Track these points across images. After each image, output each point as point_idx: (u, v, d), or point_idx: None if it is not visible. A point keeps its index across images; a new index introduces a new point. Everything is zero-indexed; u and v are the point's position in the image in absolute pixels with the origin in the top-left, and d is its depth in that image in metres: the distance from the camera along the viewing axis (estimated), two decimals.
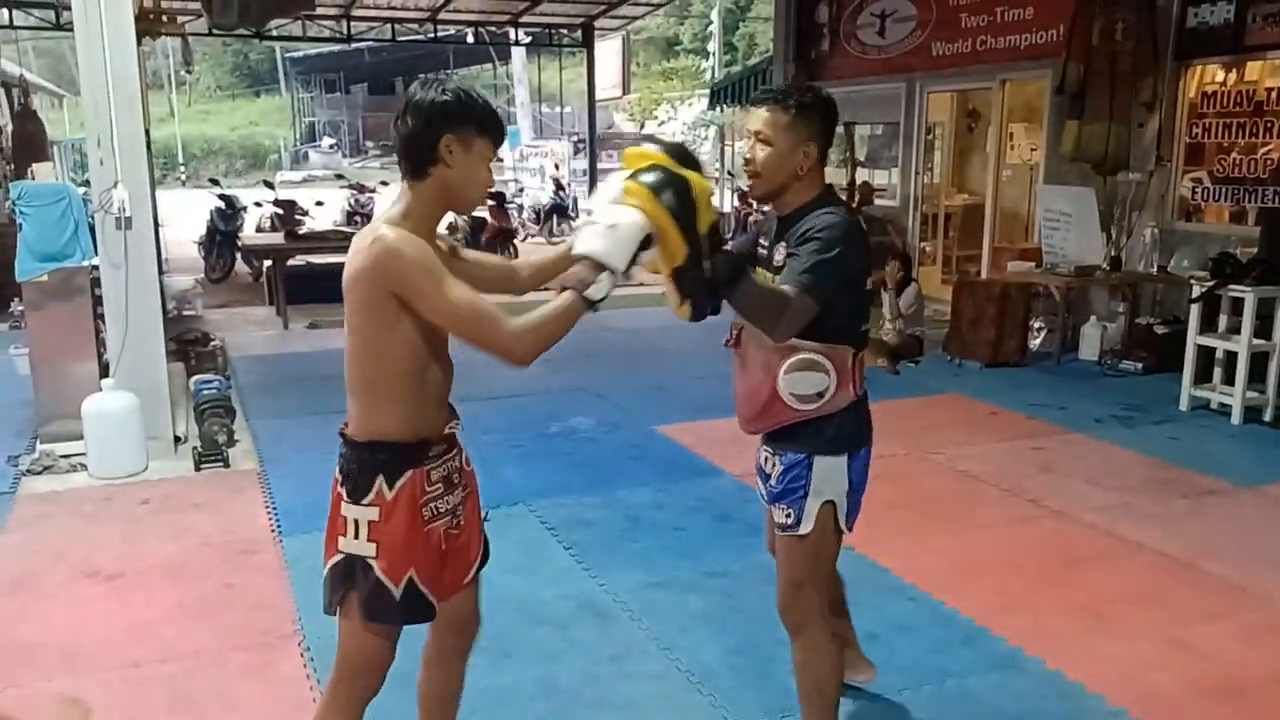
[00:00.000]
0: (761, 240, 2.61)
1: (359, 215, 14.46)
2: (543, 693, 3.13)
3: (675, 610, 3.71)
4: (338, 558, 2.18)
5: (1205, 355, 6.37)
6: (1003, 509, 4.73)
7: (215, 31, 12.83)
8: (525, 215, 17.52)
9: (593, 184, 17.81)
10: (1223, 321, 6.27)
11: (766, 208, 2.64)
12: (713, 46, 30.08)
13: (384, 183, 16.90)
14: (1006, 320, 7.64)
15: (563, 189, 17.31)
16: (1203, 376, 6.40)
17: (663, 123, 30.14)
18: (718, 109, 17.20)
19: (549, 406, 6.39)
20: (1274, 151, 7.36)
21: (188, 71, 31.26)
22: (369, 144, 40.38)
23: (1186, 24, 7.61)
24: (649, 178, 2.07)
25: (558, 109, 33.66)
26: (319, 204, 13.38)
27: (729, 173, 21.15)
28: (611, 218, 2.06)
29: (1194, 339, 6.32)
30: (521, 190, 19.02)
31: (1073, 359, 7.85)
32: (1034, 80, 9.08)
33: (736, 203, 14.95)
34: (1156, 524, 4.51)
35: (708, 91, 17.88)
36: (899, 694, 3.14)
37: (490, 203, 13.83)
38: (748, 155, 2.49)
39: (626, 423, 6.08)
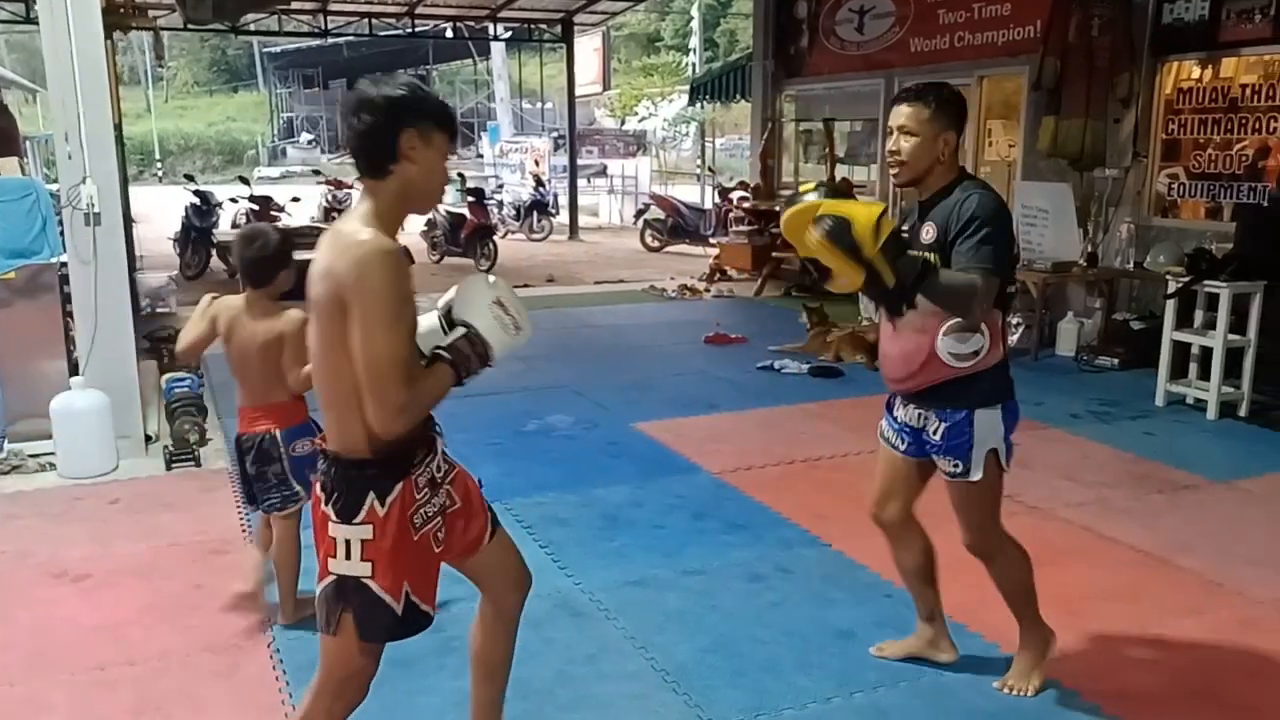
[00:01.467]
0: (904, 226, 2.85)
1: (336, 211, 14.34)
2: (517, 693, 3.07)
3: (651, 609, 3.68)
4: (330, 580, 2.12)
5: (1181, 351, 6.40)
6: None
7: (190, 26, 12.71)
8: (505, 211, 17.45)
9: (573, 180, 17.76)
10: (1198, 317, 6.30)
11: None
12: (693, 43, 30.08)
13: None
14: (1003, 325, 7.64)
15: (543, 185, 17.27)
16: (1178, 372, 6.43)
17: (643, 119, 30.10)
18: (698, 105, 17.16)
19: (527, 404, 6.35)
20: (1249, 148, 7.40)
21: (160, 66, 30.99)
22: None
23: (1162, 20, 7.65)
24: (820, 228, 2.51)
25: (538, 105, 33.57)
26: (295, 200, 13.28)
27: (709, 168, 21.18)
28: (523, 320, 2.22)
29: (1170, 335, 6.35)
30: (501, 186, 18.94)
31: (1050, 355, 7.87)
32: (1011, 76, 9.10)
33: (717, 199, 14.93)
34: (1132, 519, 4.52)
35: (688, 88, 17.83)
36: (875, 690, 3.13)
37: (470, 199, 13.78)
38: (893, 148, 2.78)
39: (605, 420, 6.04)
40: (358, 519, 2.07)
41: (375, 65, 38.56)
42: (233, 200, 13.05)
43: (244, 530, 4.39)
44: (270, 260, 3.38)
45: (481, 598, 2.47)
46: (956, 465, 2.85)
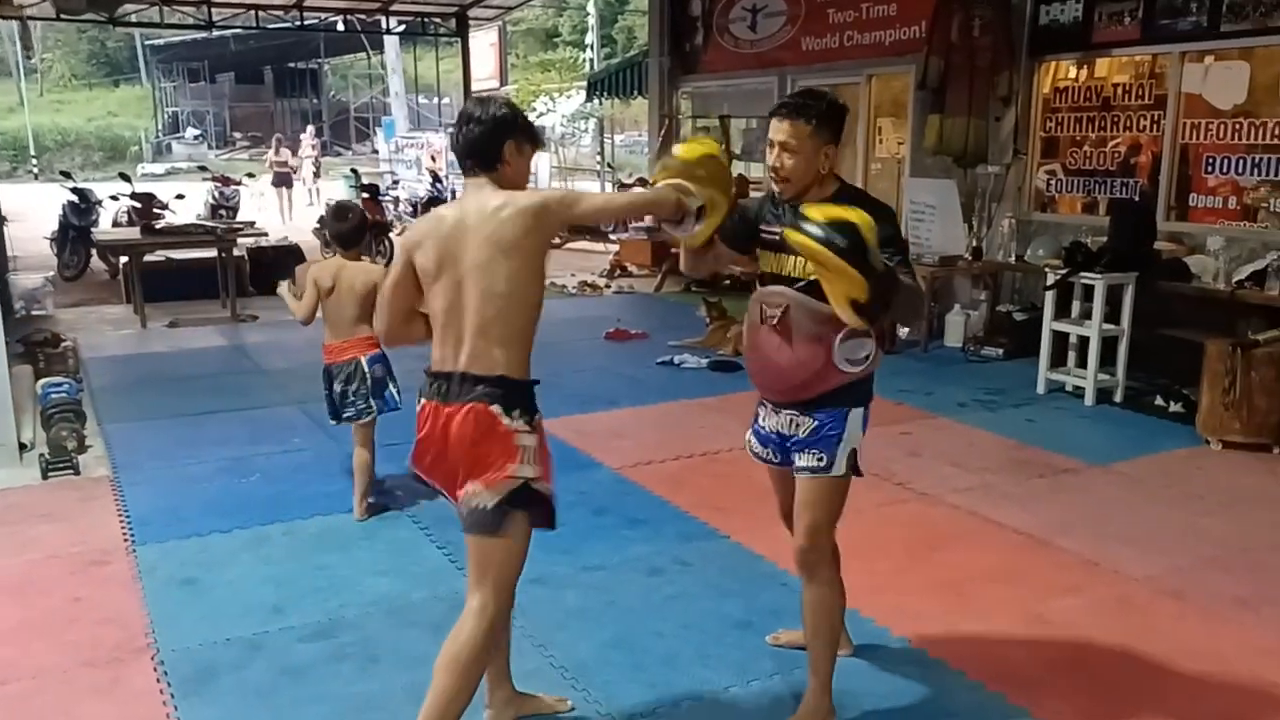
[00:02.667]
0: (766, 226, 2.82)
1: (224, 208, 13.91)
2: (413, 697, 3.03)
3: (551, 606, 3.67)
4: (514, 484, 2.49)
5: (1060, 340, 6.66)
6: (872, 493, 4.82)
7: (62, 16, 12.15)
8: (402, 208, 17.16)
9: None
10: (1075, 308, 6.57)
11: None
12: (590, 39, 30.04)
13: (250, 175, 16.31)
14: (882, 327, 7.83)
15: (440, 181, 17.02)
16: (1058, 360, 6.70)
17: (541, 114, 29.90)
18: (596, 101, 17.16)
19: None
20: (1122, 145, 7.73)
21: (27, 57, 29.54)
22: (237, 135, 38.91)
23: (1039, 21, 7.93)
24: (816, 231, 2.44)
25: (435, 100, 33.10)
26: (179, 197, 12.79)
27: (609, 165, 21.20)
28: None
29: (1049, 325, 6.60)
30: (397, 182, 18.62)
31: (939, 346, 8.11)
32: (899, 75, 9.33)
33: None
34: (1015, 503, 4.69)
35: (586, 84, 17.81)
36: (771, 678, 3.18)
37: (364, 195, 13.52)
38: (775, 164, 2.75)
39: None
40: (529, 428, 2.51)
41: (264, 58, 37.53)
42: (113, 198, 12.53)
43: (125, 539, 4.24)
44: (359, 229, 4.60)
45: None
46: (820, 459, 2.78)
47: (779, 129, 2.71)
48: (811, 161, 2.72)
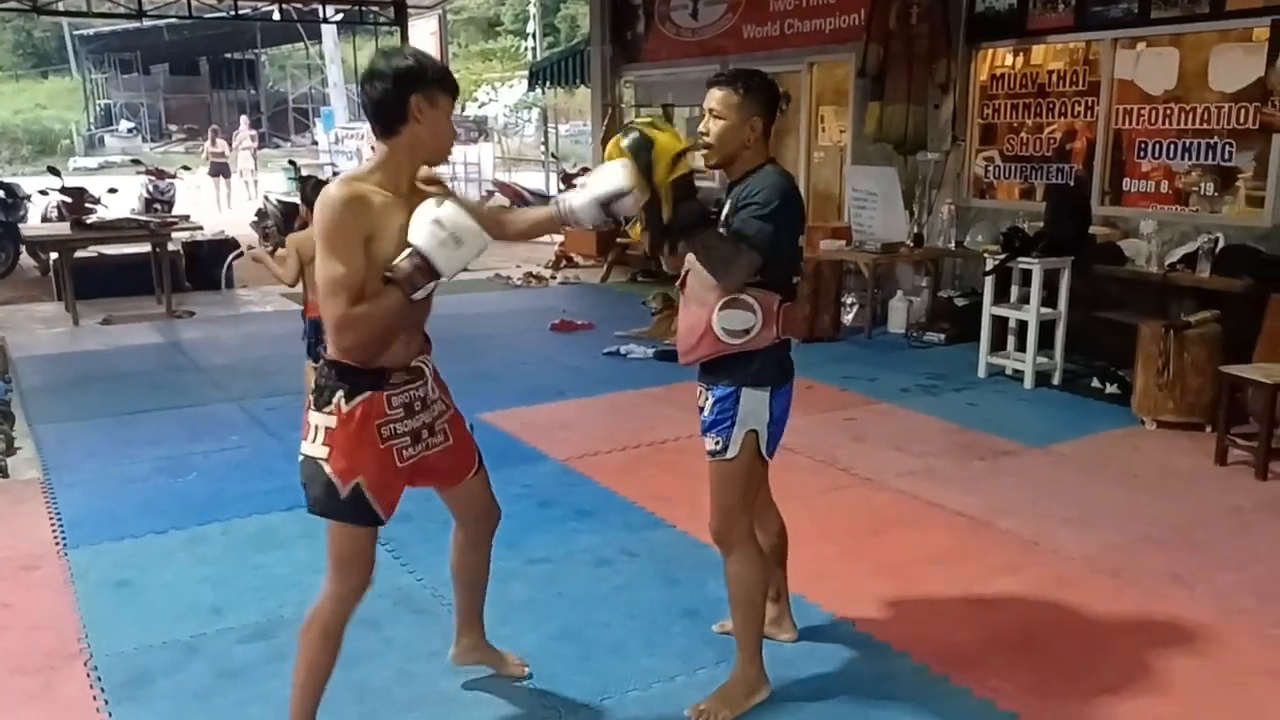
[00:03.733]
0: (715, 208, 2.88)
1: (159, 202, 13.59)
2: (354, 696, 3.01)
3: (496, 599, 3.58)
4: (300, 459, 2.49)
5: (1000, 325, 6.76)
6: (817, 479, 4.88)
7: None
8: None
9: None
10: (1014, 292, 6.66)
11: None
12: (532, 27, 29.84)
13: (186, 168, 15.96)
14: (821, 297, 7.90)
15: None
16: (998, 345, 6.79)
17: (483, 104, 29.69)
18: (538, 90, 17.04)
19: None
20: (1057, 131, 7.85)
21: None
22: (172, 127, 38.09)
23: (975, 9, 8.02)
24: (626, 138, 2.53)
25: None
26: (112, 191, 12.46)
27: (553, 155, 21.09)
28: (460, 230, 2.34)
29: (989, 310, 6.69)
30: (337, 174, 18.32)
31: (882, 332, 8.18)
32: (839, 63, 9.37)
33: (561, 185, 14.85)
34: (957, 486, 4.75)
35: (528, 73, 17.68)
36: (718, 665, 3.17)
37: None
38: (703, 129, 2.83)
39: None
40: (326, 409, 2.43)
41: (199, 49, 36.78)
42: (43, 193, 12.19)
43: (57, 543, 4.13)
44: None
45: (455, 525, 2.92)
46: (717, 443, 2.83)
47: (711, 98, 2.81)
48: (737, 130, 2.78)
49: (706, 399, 2.87)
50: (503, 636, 3.34)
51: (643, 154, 2.50)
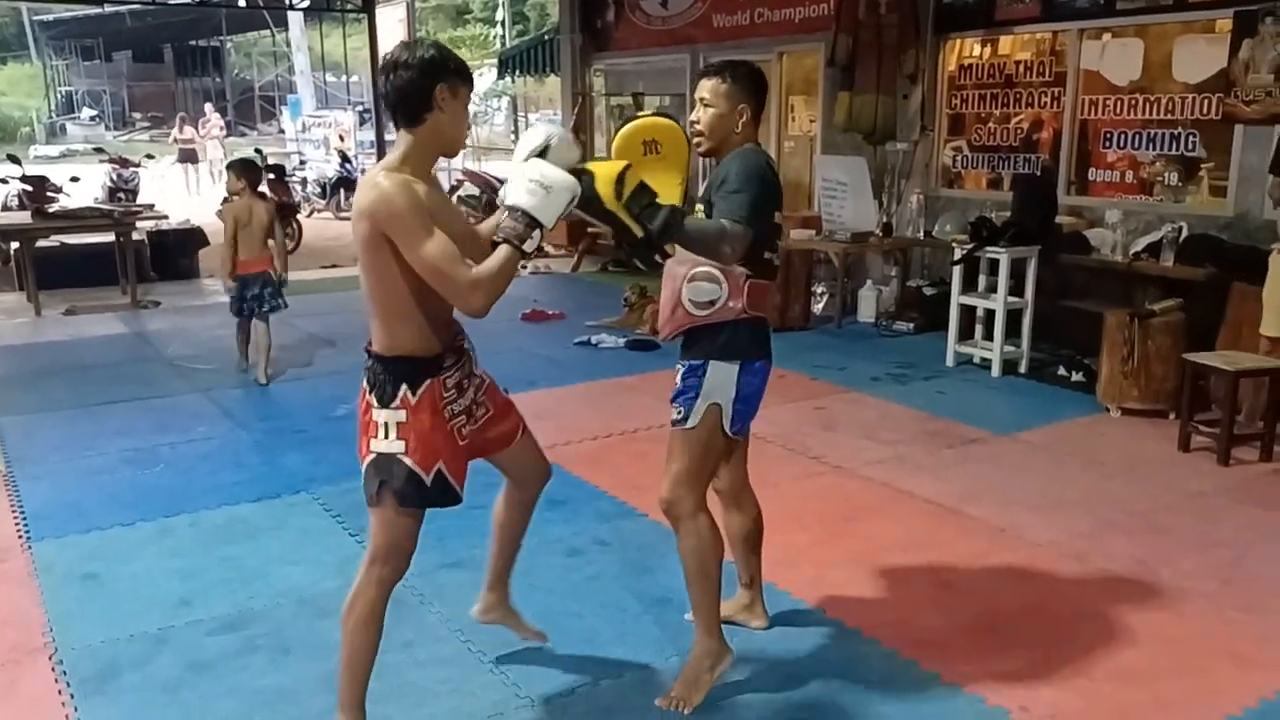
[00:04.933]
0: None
1: (122, 191, 13.39)
2: (326, 688, 2.98)
3: (469, 591, 3.59)
4: (370, 457, 2.55)
5: (968, 314, 6.82)
6: (788, 467, 4.90)
7: None
8: (310, 189, 16.76)
9: (380, 155, 17.18)
10: (982, 281, 6.72)
11: None
12: (501, 15, 29.59)
13: (150, 156, 15.74)
14: (791, 287, 7.93)
15: (349, 161, 16.65)
16: (966, 334, 6.85)
17: None
18: (508, 79, 16.94)
19: (336, 388, 6.14)
20: (1024, 121, 7.93)
21: None
22: (136, 115, 37.50)
23: None
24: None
25: (343, 78, 32.33)
26: (74, 180, 12.27)
27: None
28: (547, 179, 2.40)
29: (957, 299, 6.75)
30: (304, 163, 18.16)
31: (852, 321, 8.23)
32: (809, 53, 9.40)
33: None
34: (926, 474, 4.79)
35: (497, 61, 17.56)
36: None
37: (269, 176, 13.14)
38: (694, 118, 2.92)
39: None
40: (394, 404, 2.50)
41: (163, 36, 36.19)
42: (3, 181, 11.99)
43: (20, 536, 4.07)
44: (260, 171, 6.84)
45: (507, 483, 3.01)
46: (679, 412, 2.86)
47: (702, 87, 2.91)
48: (726, 118, 2.87)
49: (678, 371, 2.92)
50: (475, 628, 3.33)
51: (587, 191, 2.49)
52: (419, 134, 2.44)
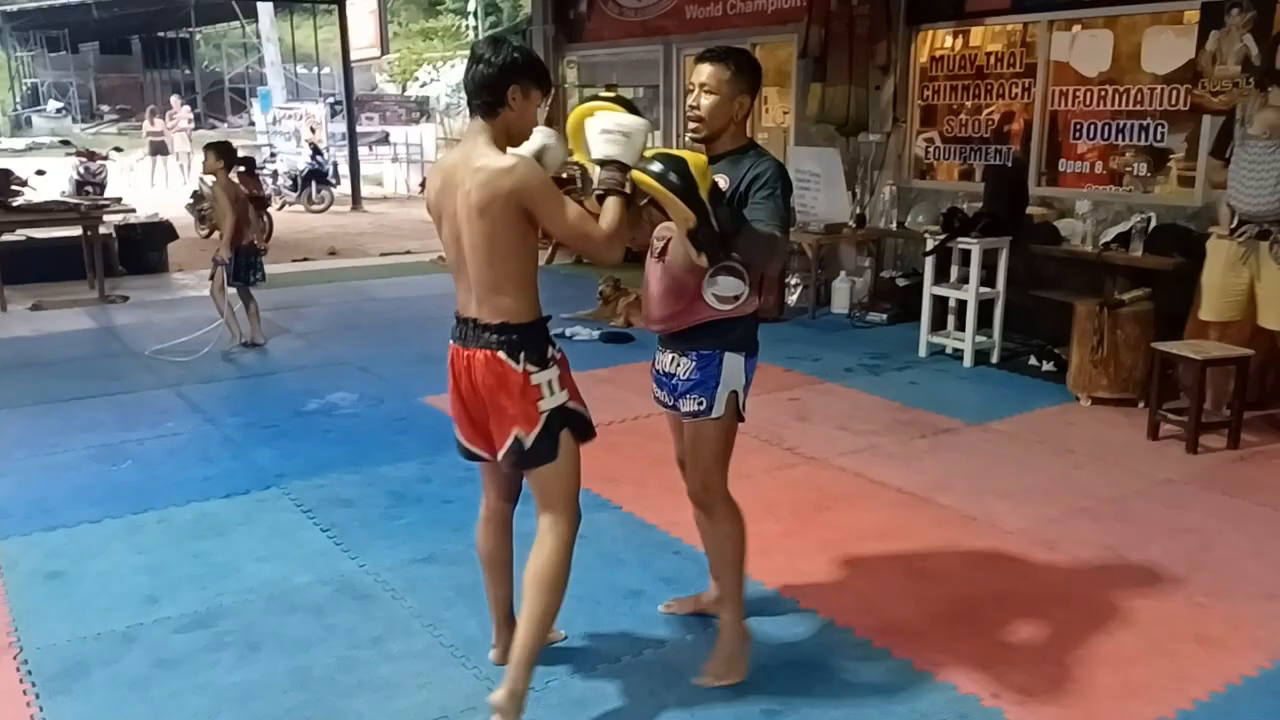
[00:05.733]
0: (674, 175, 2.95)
1: (90, 185, 13.19)
2: (296, 683, 2.97)
3: (440, 585, 3.61)
4: (544, 418, 2.67)
5: (940, 304, 6.84)
6: (762, 458, 4.90)
7: None
8: (281, 182, 16.60)
9: (353, 148, 17.05)
10: (954, 272, 6.75)
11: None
12: (473, 6, 29.46)
13: (118, 149, 15.54)
14: (765, 278, 7.89)
15: (320, 153, 16.50)
16: (938, 324, 6.88)
17: (424, 84, 29.28)
18: None
19: (306, 383, 6.09)
20: (996, 113, 7.96)
21: None
22: (104, 107, 37.02)
23: None
24: (654, 167, 2.56)
25: (315, 70, 32.07)
26: (40, 173, 12.07)
27: None
28: (623, 126, 2.60)
29: (929, 289, 6.77)
30: (274, 155, 17.99)
31: (826, 312, 8.25)
32: (783, 44, 9.39)
33: None
34: (898, 463, 4.81)
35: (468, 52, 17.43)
36: (663, 646, 3.20)
37: (240, 168, 13.00)
38: (693, 103, 2.90)
39: (391, 395, 5.87)
40: (548, 364, 2.69)
41: (130, 27, 35.71)
42: None
43: None
44: (235, 154, 7.27)
45: (494, 509, 3.08)
46: (700, 403, 2.92)
47: (700, 71, 2.89)
48: (726, 105, 2.86)
49: (681, 364, 2.94)
50: (447, 620, 3.33)
51: (686, 177, 2.56)
52: (493, 124, 2.63)
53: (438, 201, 2.71)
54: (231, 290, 6.96)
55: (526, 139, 2.73)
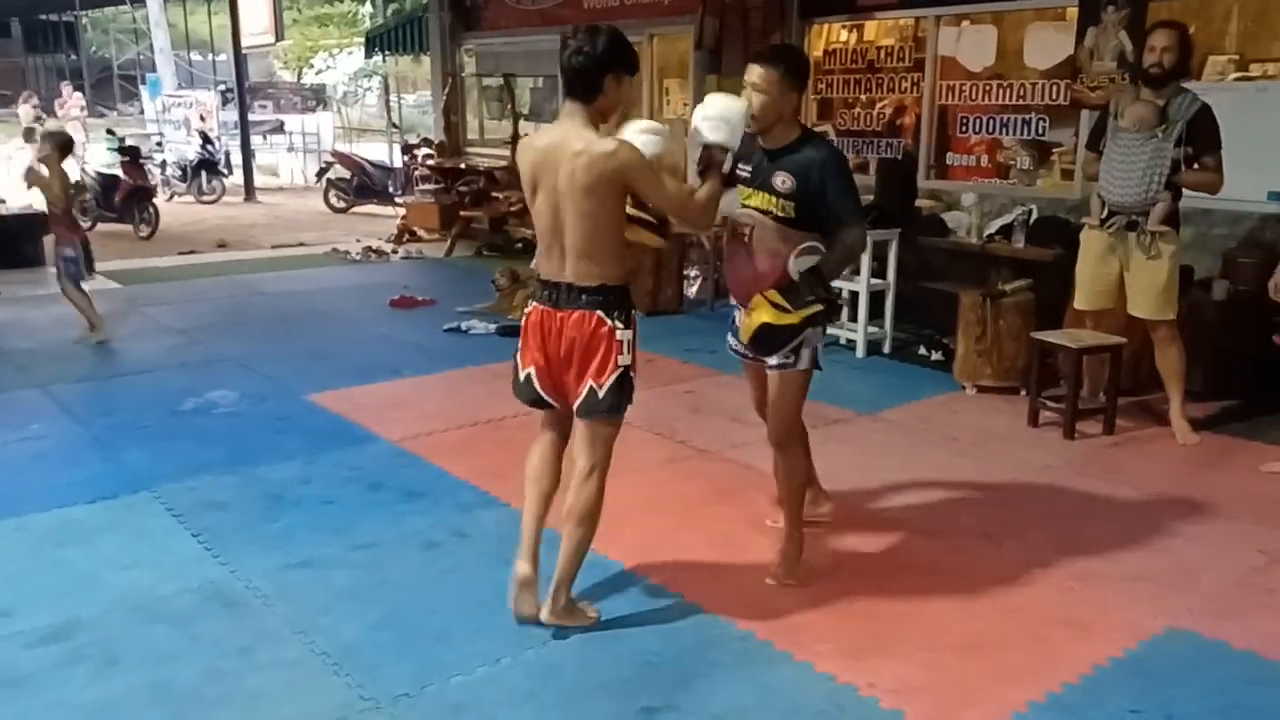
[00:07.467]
0: (742, 166, 3.36)
1: None
2: (156, 698, 2.84)
3: (316, 590, 3.50)
4: (618, 372, 3.03)
5: None
6: (654, 452, 4.89)
7: None
8: (170, 172, 16.02)
9: (245, 137, 16.50)
10: None
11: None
12: None
13: None
14: (663, 270, 7.91)
15: (211, 143, 15.95)
16: None
17: (320, 71, 28.54)
18: (376, 58, 16.47)
19: (183, 381, 5.86)
20: (888, 106, 8.07)
21: None
22: None
23: None
24: (808, 298, 3.33)
25: (209, 57, 31.02)
26: None
27: (394, 124, 20.49)
28: (725, 114, 3.06)
29: None
30: (162, 144, 17.33)
31: (724, 304, 8.24)
32: (681, 35, 9.38)
33: (404, 157, 14.42)
34: None
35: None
36: (545, 645, 3.15)
37: (124, 159, 12.52)
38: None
39: (274, 393, 5.68)
40: (628, 325, 3.04)
41: (10, 9, 34.02)
42: None
43: None
44: (72, 143, 7.20)
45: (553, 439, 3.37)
46: (789, 356, 3.39)
47: (753, 72, 3.27)
48: (778, 102, 3.27)
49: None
50: (320, 627, 3.23)
51: (781, 336, 3.36)
52: (590, 109, 2.97)
53: (533, 175, 3.01)
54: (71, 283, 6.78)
55: (615, 115, 3.08)
